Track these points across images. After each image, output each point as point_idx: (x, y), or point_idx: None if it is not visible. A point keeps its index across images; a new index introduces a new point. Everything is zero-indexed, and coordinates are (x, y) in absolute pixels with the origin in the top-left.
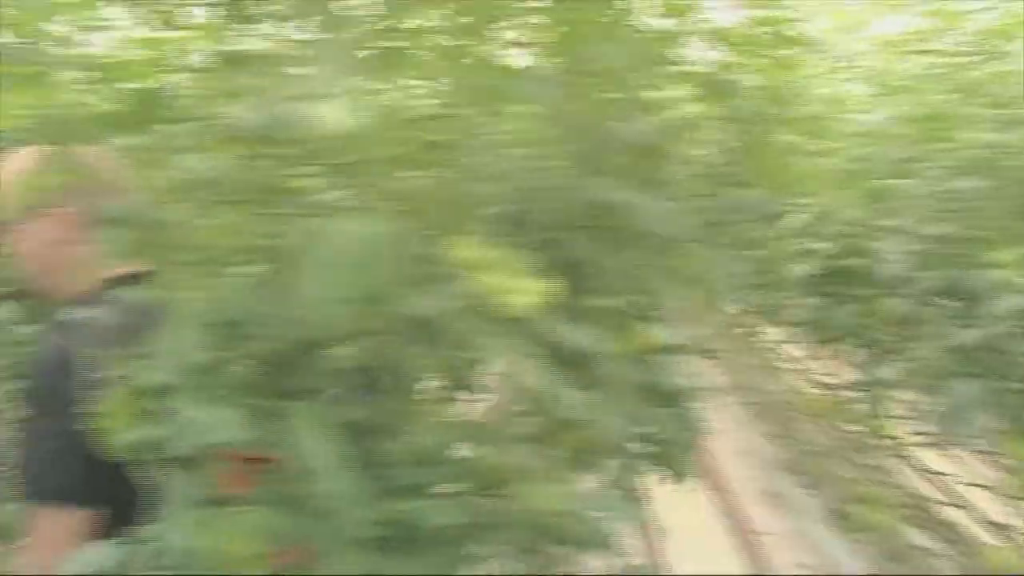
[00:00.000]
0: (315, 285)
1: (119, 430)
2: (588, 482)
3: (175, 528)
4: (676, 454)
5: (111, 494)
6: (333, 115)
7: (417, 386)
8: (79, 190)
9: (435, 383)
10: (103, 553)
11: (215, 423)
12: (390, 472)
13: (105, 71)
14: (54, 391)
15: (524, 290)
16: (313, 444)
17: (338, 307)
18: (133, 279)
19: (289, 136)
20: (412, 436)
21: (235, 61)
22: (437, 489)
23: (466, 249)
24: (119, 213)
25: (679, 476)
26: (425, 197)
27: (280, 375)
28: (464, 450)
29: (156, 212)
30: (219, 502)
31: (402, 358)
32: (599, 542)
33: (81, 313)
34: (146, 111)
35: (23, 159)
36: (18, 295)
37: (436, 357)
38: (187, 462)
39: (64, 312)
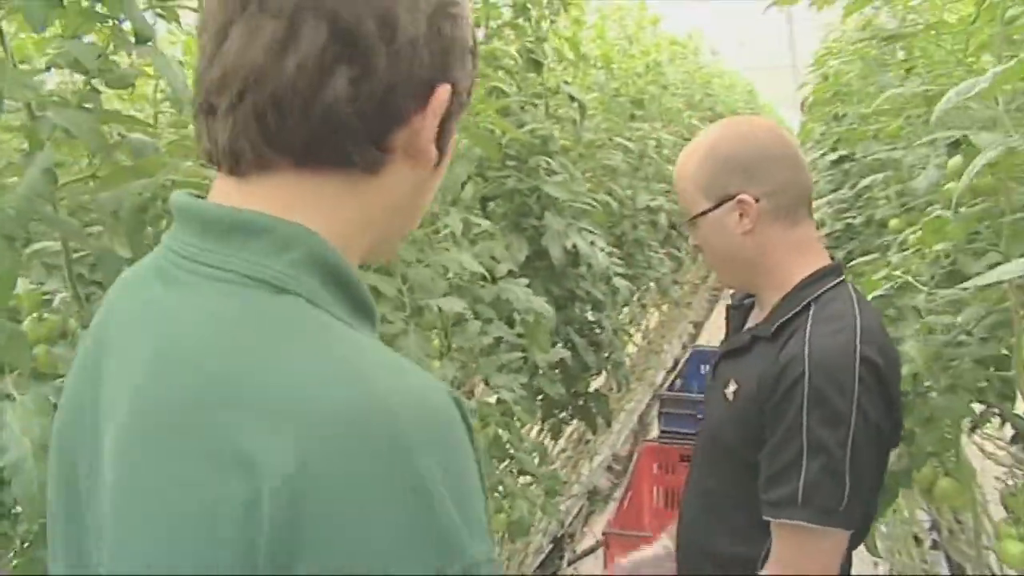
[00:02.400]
0: None
1: None
2: None
3: None
4: None
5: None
6: None
7: None
8: (758, 171)
9: None
10: None
11: None
12: None
13: None
14: (860, 399)
15: None
16: None
17: None
18: (826, 275)
19: None
20: None
21: None
22: None
23: None
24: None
25: None
26: None
27: None
28: None
29: None
30: None
31: None
32: None
33: (834, 310)
34: None
35: (710, 140)
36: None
37: None
38: None
39: (828, 307)
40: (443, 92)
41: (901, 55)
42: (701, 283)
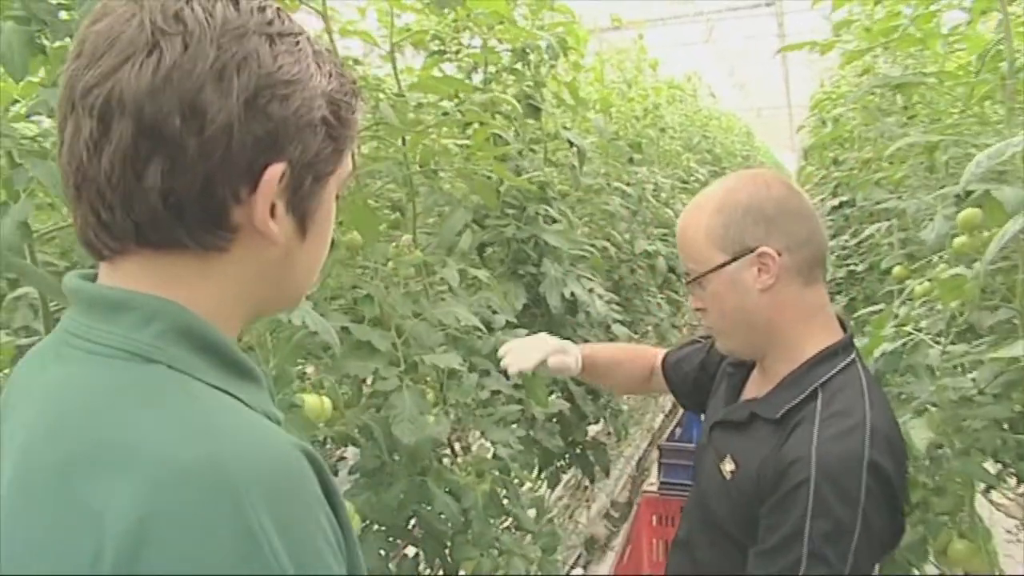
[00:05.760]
0: None
1: None
2: None
3: None
4: None
5: None
6: None
7: None
8: (779, 224)
9: None
10: None
11: None
12: None
13: None
14: (866, 509)
15: None
16: None
17: None
18: (837, 352)
19: None
20: None
21: None
22: None
23: None
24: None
25: None
26: None
27: None
28: None
29: None
30: None
31: None
32: None
33: (844, 404)
34: None
35: (723, 190)
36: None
37: None
38: None
39: (837, 399)
40: (274, 172)
41: (900, 101)
42: (697, 325)
